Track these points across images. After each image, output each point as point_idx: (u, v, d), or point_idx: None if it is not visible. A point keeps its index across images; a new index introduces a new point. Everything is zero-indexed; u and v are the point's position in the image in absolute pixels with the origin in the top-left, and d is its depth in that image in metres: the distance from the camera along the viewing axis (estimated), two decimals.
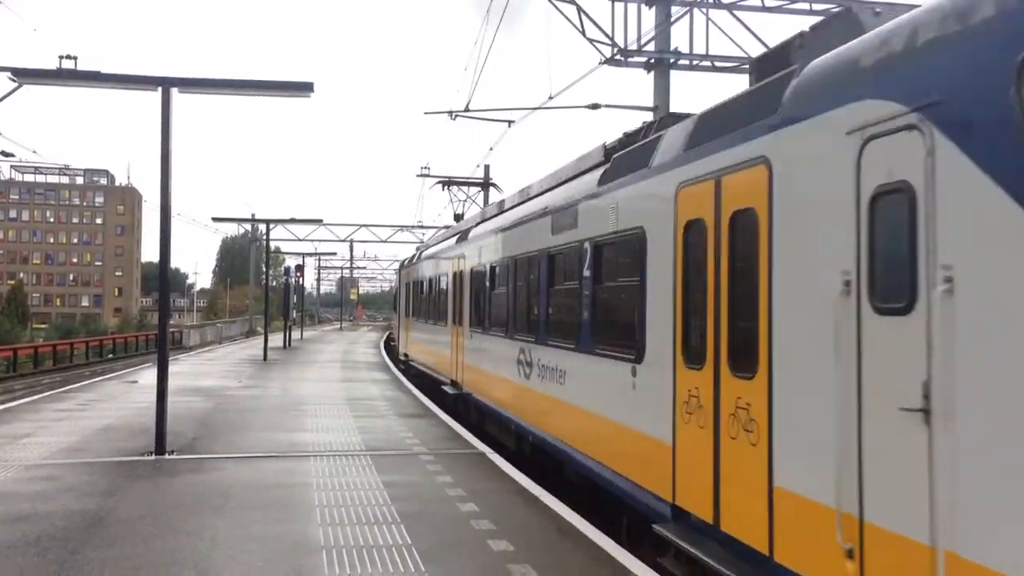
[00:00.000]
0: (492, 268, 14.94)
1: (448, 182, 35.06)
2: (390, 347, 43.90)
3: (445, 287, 20.15)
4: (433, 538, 7.56)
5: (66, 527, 7.79)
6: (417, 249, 31.63)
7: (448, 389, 18.49)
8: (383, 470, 10.59)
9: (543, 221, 11.66)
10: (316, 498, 9.02)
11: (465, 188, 36.47)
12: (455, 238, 20.05)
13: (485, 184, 35.74)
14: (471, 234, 17.63)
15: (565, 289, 10.61)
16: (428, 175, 42.25)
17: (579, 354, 9.77)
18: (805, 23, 18.83)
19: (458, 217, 34.24)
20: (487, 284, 15.24)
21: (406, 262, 32.19)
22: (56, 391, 21.19)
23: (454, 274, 18.82)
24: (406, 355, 29.72)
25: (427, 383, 22.36)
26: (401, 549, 7.21)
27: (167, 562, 6.81)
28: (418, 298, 26.04)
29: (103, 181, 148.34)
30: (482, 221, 17.81)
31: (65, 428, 13.89)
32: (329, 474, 10.30)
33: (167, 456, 11.39)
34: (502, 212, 15.98)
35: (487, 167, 40.53)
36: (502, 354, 13.64)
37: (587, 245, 9.62)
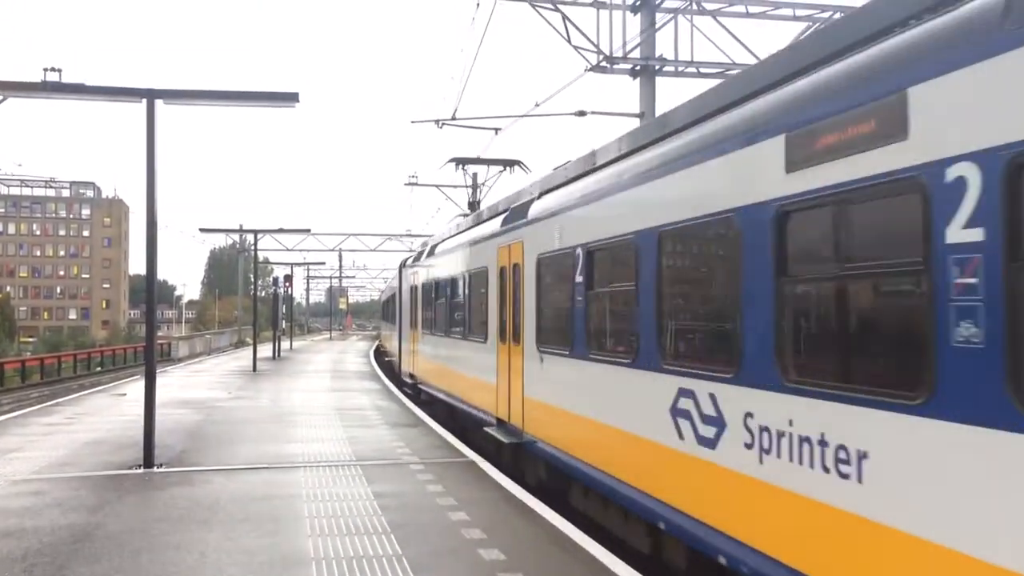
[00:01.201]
0: (588, 258, 9.52)
1: (464, 161, 27.05)
2: (380, 357, 43.49)
3: (485, 289, 14.39)
4: (423, 548, 7.53)
5: (53, 542, 7.73)
6: (424, 245, 25.31)
7: (495, 432, 12.89)
8: (373, 480, 10.55)
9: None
10: (305, 509, 8.98)
11: (484, 169, 28.24)
12: (499, 220, 14.04)
13: (511, 163, 27.31)
14: (536, 209, 11.79)
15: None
16: (417, 183, 42.30)
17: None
18: (789, 29, 18.96)
19: (473, 205, 26.99)
20: (581, 283, 9.65)
21: (410, 260, 26.26)
22: (44, 405, 21.03)
23: (503, 269, 13.19)
24: (413, 376, 24.01)
25: (447, 413, 18.01)
26: (391, 559, 7.18)
27: None
28: (433, 303, 20.06)
29: (89, 193, 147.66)
30: (550, 190, 11.69)
31: (52, 442, 13.79)
32: (319, 485, 10.26)
33: (155, 469, 11.32)
34: (590, 174, 10.18)
35: (475, 175, 40.57)
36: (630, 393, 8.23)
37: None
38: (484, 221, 15.90)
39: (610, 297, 9.04)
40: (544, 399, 10.83)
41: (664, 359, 7.38)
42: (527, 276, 11.69)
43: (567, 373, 10.02)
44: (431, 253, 21.15)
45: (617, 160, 9.25)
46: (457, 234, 18.66)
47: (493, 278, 13.76)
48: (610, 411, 8.60)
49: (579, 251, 9.65)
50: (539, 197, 11.98)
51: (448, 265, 18.12)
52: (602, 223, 9.02)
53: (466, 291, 16.21)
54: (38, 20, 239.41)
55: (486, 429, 13.43)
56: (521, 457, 12.30)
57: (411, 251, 66.95)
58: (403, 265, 28.38)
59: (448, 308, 18.06)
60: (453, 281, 17.49)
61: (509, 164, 26.96)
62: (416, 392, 22.75)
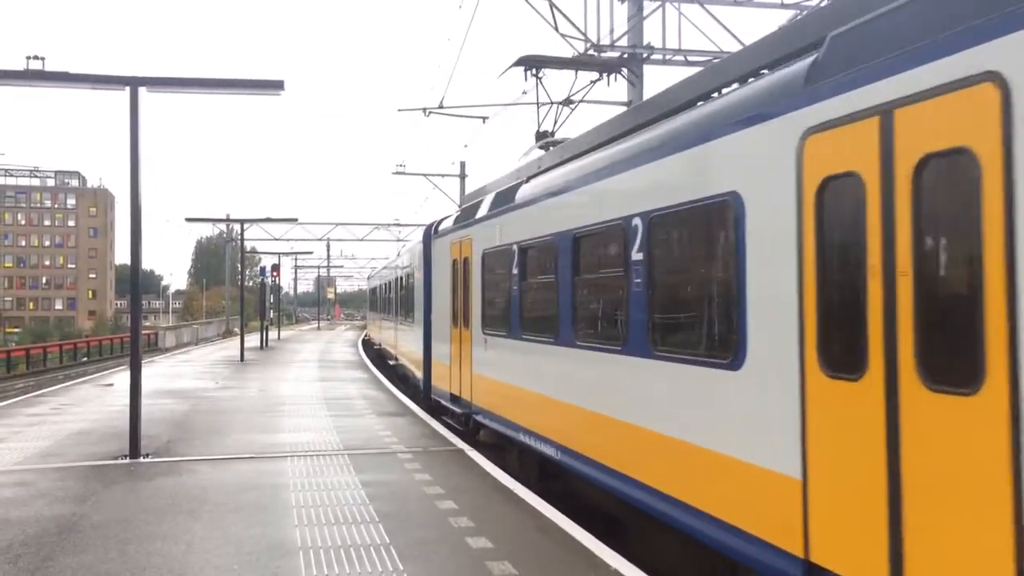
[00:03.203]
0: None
1: (541, 62, 15.71)
2: (368, 346, 43.22)
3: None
4: (412, 536, 7.53)
5: (39, 533, 7.68)
6: (475, 196, 16.68)
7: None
8: (361, 469, 10.54)
9: None
10: (293, 499, 8.96)
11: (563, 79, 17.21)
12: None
13: (625, 62, 18.16)
14: None
15: None
16: (404, 172, 42.19)
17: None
18: (776, 16, 18.94)
19: (543, 135, 15.18)
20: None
21: (448, 222, 16.99)
22: (29, 395, 20.92)
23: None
24: (460, 399, 14.62)
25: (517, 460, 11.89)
26: (379, 548, 7.17)
27: (142, 567, 6.73)
28: (522, 287, 11.20)
29: (74, 183, 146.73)
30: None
31: (38, 433, 13.71)
32: (306, 474, 10.24)
33: (142, 459, 11.28)
34: None
35: (463, 163, 40.50)
36: None
37: None
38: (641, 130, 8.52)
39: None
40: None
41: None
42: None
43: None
44: (506, 202, 12.12)
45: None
46: (542, 173, 11.26)
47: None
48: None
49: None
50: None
51: (551, 218, 10.05)
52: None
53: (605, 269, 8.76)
54: (21, 7, 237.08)
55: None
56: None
57: (399, 240, 65.98)
58: (433, 233, 18.04)
59: (544, 295, 10.40)
60: (573, 254, 9.27)
61: (609, 69, 16.59)
62: (467, 425, 14.10)
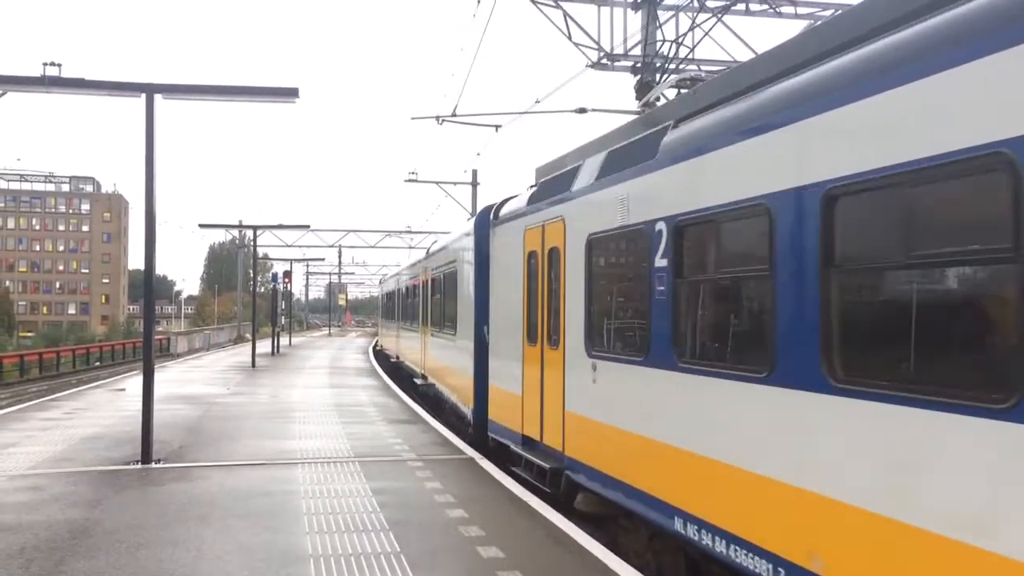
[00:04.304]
0: None
1: None
2: (378, 353, 43.19)
3: None
4: (422, 545, 7.51)
5: (51, 537, 7.70)
6: (547, 170, 11.85)
7: None
8: (371, 477, 10.53)
9: None
10: (304, 506, 8.95)
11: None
12: None
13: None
14: None
15: None
16: (417, 180, 42.28)
17: None
18: (791, 27, 18.93)
19: (645, 87, 15.57)
20: None
21: (499, 210, 13.47)
22: (42, 400, 21.01)
23: None
24: (566, 461, 9.67)
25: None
26: (389, 557, 7.16)
27: (153, 572, 6.74)
28: (643, 288, 7.91)
29: (89, 188, 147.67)
30: None
31: (51, 437, 13.77)
32: (317, 481, 10.24)
33: (153, 465, 11.31)
34: None
35: (475, 171, 40.54)
36: None
37: None
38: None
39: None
40: None
41: None
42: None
43: None
44: (637, 160, 8.28)
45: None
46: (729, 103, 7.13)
47: None
48: None
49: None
50: None
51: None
52: None
53: None
54: (38, 14, 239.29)
55: None
56: None
57: (409, 247, 65.60)
58: (493, 218, 13.56)
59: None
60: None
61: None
62: (553, 483, 9.84)
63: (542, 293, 10.69)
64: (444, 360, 18.66)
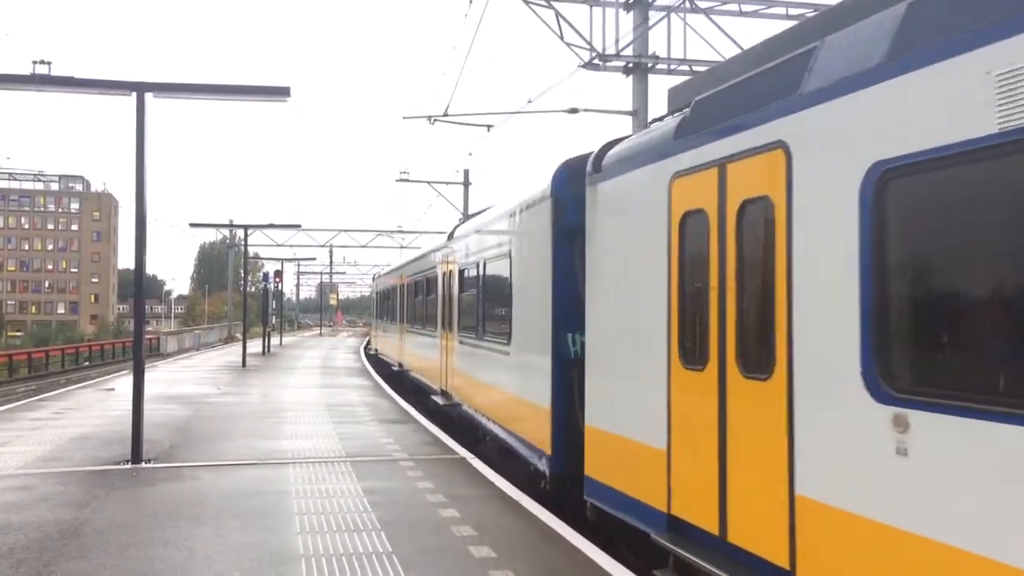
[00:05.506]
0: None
1: None
2: (368, 353, 42.91)
3: None
4: (414, 545, 7.50)
5: (40, 538, 7.66)
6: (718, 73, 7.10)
7: None
8: (363, 476, 10.51)
9: None
10: (295, 506, 8.93)
11: None
12: None
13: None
14: None
15: None
16: (408, 179, 42.24)
17: None
18: (780, 27, 18.98)
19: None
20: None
21: (602, 157, 8.45)
22: (31, 399, 20.91)
23: None
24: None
25: None
26: (381, 556, 7.15)
27: (143, 572, 6.71)
28: None
29: (78, 187, 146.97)
30: None
31: (40, 437, 13.70)
32: (308, 481, 10.22)
33: (144, 465, 11.26)
34: None
35: (467, 171, 40.53)
36: None
37: None
38: None
39: None
40: None
41: None
42: None
43: None
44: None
45: None
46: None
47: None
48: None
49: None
50: None
51: None
52: None
53: None
54: (27, 12, 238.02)
55: None
56: None
57: (401, 247, 65.18)
58: (591, 170, 8.65)
59: None
60: None
61: None
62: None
63: (719, 280, 6.26)
64: (485, 378, 13.63)
